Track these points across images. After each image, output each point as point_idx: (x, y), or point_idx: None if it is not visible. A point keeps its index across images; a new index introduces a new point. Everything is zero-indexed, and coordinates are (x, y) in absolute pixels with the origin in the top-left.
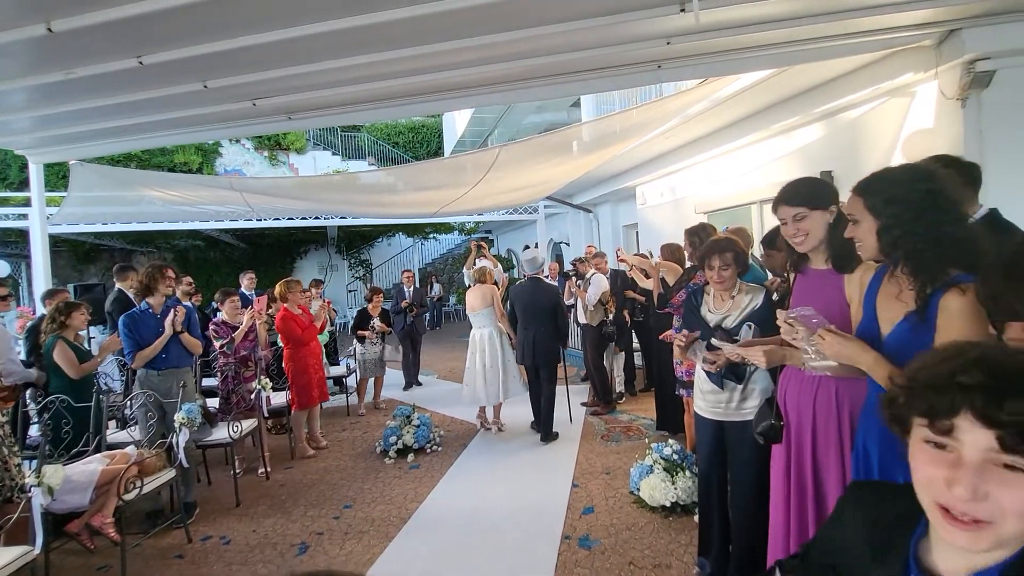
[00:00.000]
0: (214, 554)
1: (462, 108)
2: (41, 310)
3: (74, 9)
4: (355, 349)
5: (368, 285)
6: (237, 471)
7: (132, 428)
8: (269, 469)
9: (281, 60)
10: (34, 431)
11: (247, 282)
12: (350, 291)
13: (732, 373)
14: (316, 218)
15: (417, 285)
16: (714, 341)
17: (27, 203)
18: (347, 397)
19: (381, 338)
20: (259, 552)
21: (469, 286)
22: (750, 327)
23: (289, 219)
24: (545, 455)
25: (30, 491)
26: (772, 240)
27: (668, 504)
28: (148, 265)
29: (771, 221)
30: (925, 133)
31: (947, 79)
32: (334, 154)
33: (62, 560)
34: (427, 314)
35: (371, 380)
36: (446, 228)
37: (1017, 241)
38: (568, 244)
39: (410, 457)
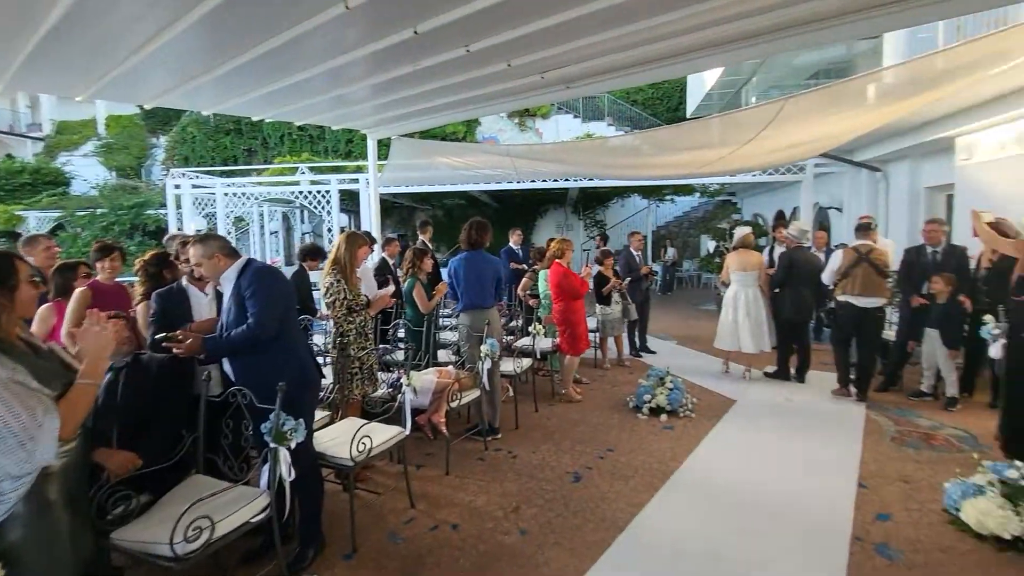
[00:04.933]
0: (506, 464)
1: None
2: (379, 254)
3: (430, 13)
4: (597, 309)
5: (599, 247)
6: (507, 398)
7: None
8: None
9: (569, 35)
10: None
11: (515, 238)
12: (584, 250)
13: None
14: (566, 180)
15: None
16: None
17: (359, 171)
18: (595, 352)
19: (623, 296)
20: (540, 471)
21: (722, 251)
22: None
23: (543, 181)
24: (818, 445)
25: (403, 389)
26: None
27: (1008, 537)
28: (473, 222)
29: None
30: None
31: None
32: (575, 117)
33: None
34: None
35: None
36: (686, 190)
37: None
38: (840, 210)
39: (663, 417)
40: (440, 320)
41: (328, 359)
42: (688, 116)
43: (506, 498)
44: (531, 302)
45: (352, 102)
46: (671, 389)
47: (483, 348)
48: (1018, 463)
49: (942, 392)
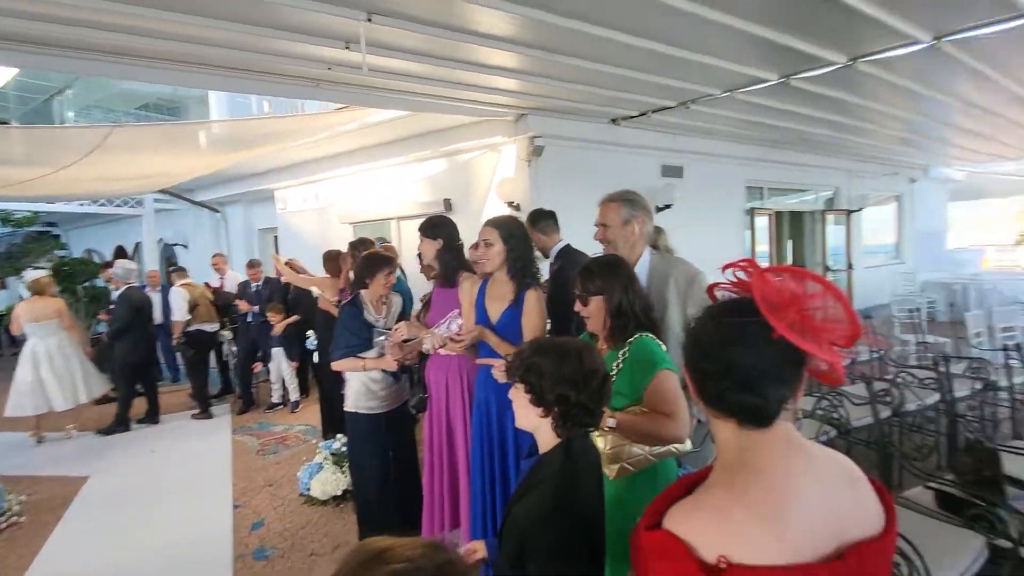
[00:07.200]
0: None
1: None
2: None
3: None
4: None
5: None
6: None
7: None
8: None
9: None
10: None
11: None
12: None
13: (407, 368)
14: None
15: None
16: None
17: None
18: None
19: None
20: None
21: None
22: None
23: None
24: (193, 489)
25: None
26: None
27: (339, 493)
28: None
29: (406, 235)
30: (509, 180)
31: (521, 146)
32: None
33: None
34: None
35: None
36: None
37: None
38: (186, 246)
39: None
40: None
41: None
42: None
43: None
44: None
45: None
46: None
47: None
48: (339, 435)
49: (288, 399)
